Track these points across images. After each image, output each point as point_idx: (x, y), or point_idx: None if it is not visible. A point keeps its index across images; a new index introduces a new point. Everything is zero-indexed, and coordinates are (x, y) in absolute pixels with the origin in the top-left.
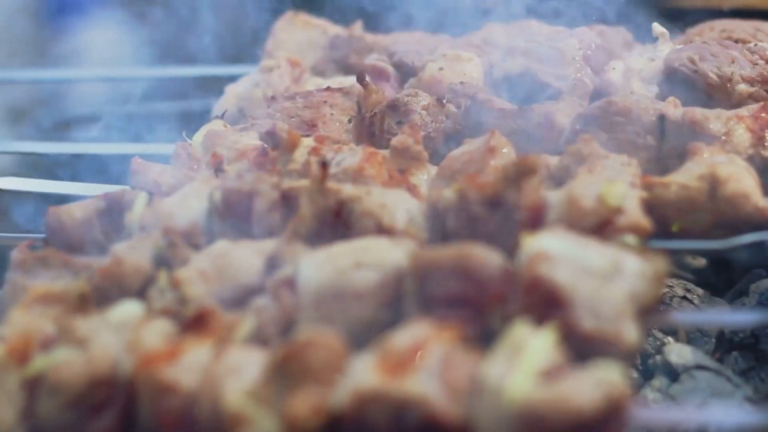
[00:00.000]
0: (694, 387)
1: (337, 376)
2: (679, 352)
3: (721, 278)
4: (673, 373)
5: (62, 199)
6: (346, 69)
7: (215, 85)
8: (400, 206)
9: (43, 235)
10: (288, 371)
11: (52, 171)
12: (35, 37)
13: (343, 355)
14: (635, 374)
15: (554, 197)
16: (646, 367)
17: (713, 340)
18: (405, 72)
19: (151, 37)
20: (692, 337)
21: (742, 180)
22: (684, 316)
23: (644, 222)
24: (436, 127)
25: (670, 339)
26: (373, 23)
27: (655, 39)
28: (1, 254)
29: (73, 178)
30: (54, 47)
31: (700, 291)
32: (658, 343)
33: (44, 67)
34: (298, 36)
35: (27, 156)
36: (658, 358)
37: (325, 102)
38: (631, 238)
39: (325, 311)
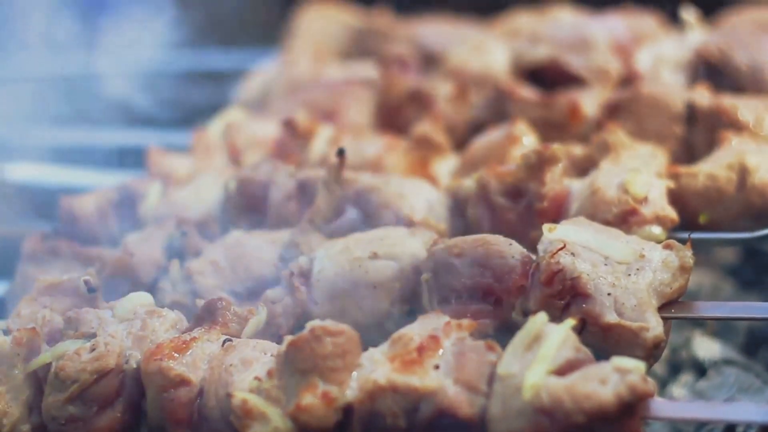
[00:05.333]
0: (722, 382)
1: (349, 368)
2: (706, 347)
3: (752, 270)
4: (701, 368)
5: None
6: (368, 57)
7: (234, 73)
8: (419, 196)
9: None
10: (298, 363)
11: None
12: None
13: (355, 347)
14: (662, 369)
15: (577, 187)
16: (673, 361)
17: (741, 335)
18: (428, 60)
19: (169, 21)
20: (721, 331)
21: None
22: (712, 310)
23: (670, 212)
24: (459, 117)
25: (697, 333)
26: (398, 5)
27: (685, 26)
28: (14, 245)
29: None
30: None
31: (730, 283)
32: (686, 337)
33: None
34: (320, 23)
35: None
36: (685, 352)
37: (346, 91)
38: (656, 229)
39: (340, 302)
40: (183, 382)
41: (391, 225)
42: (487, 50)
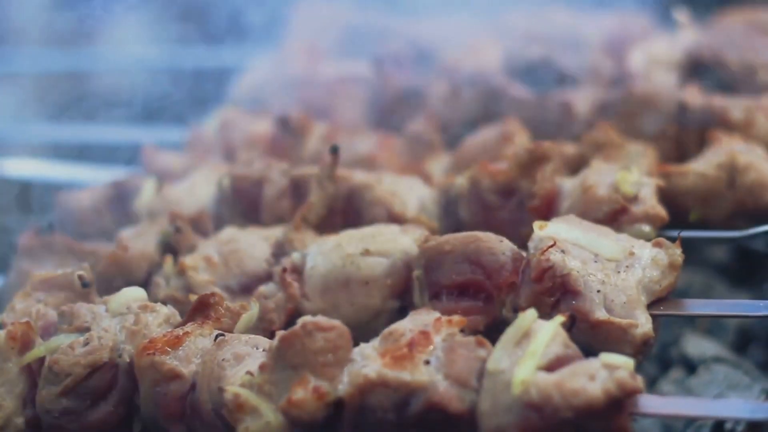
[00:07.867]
0: (711, 380)
1: (340, 363)
2: (696, 344)
3: (743, 268)
4: (691, 365)
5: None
6: (363, 54)
7: (229, 70)
8: (411, 194)
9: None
10: (290, 358)
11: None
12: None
13: (346, 343)
14: (652, 366)
15: (568, 185)
16: (663, 358)
17: (731, 332)
18: (423, 58)
19: (164, 18)
20: (711, 328)
21: (761, 169)
22: (701, 307)
23: (660, 211)
24: (453, 115)
25: (687, 331)
26: (393, 4)
27: (677, 25)
28: (9, 239)
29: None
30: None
31: (720, 281)
32: (676, 334)
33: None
34: (316, 20)
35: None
36: (675, 349)
37: (341, 89)
38: (646, 227)
39: (332, 298)
40: (175, 376)
41: (383, 222)
42: (480, 49)
